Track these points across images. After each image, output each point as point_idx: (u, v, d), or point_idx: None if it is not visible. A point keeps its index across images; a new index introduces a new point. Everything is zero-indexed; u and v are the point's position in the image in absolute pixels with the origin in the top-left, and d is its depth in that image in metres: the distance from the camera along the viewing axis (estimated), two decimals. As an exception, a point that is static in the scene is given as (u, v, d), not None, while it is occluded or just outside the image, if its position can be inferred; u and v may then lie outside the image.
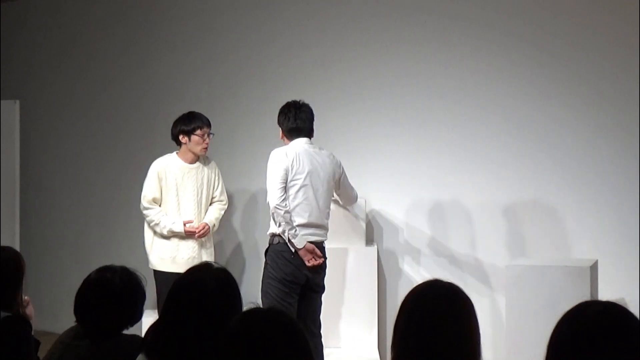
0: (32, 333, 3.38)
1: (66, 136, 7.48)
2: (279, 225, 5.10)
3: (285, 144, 5.28)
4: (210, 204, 5.91)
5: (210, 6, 6.89)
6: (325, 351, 5.72)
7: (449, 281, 2.31)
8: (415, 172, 6.20)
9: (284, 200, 5.09)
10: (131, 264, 6.96)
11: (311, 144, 5.28)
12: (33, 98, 7.55)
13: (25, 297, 3.55)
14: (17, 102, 7.25)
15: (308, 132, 5.28)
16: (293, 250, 5.10)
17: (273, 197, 5.11)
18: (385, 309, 6.13)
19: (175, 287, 2.57)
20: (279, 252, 5.14)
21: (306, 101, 5.35)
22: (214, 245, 6.00)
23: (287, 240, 5.10)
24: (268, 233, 5.22)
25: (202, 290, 2.49)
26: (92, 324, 2.87)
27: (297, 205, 5.14)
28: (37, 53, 7.64)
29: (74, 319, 2.94)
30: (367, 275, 5.96)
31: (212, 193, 5.89)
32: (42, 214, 7.56)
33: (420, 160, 6.19)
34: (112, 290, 2.89)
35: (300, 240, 5.10)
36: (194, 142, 5.74)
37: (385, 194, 6.27)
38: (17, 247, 6.20)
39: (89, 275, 3.00)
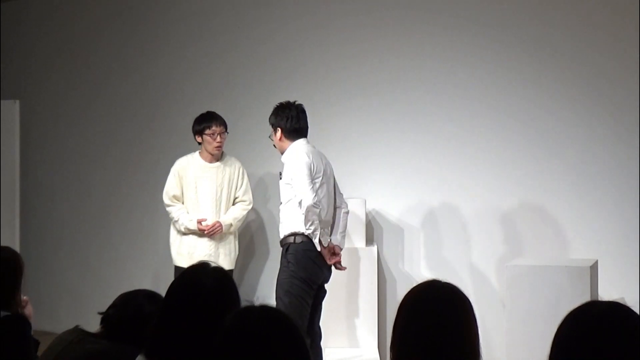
0: (32, 333, 3.38)
1: (66, 136, 7.48)
2: (311, 224, 5.08)
3: (281, 144, 5.24)
4: (234, 204, 5.97)
5: (208, 6, 6.88)
6: (326, 351, 5.72)
7: (447, 281, 2.31)
8: (415, 172, 6.20)
9: (317, 199, 5.10)
10: (131, 263, 6.99)
11: (309, 143, 5.29)
12: (33, 98, 7.55)
13: (24, 297, 3.55)
14: (17, 102, 7.25)
15: (306, 132, 5.31)
16: (319, 249, 5.10)
17: (308, 196, 5.07)
18: (385, 309, 6.13)
19: (172, 287, 2.57)
20: (304, 251, 5.11)
21: (304, 100, 5.37)
22: (236, 248, 6.03)
23: (316, 240, 5.09)
24: (287, 233, 5.14)
25: (199, 290, 2.48)
26: (112, 330, 2.84)
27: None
28: (37, 53, 7.64)
29: (74, 319, 2.92)
30: (367, 275, 5.96)
31: (235, 193, 5.95)
32: (42, 214, 7.56)
33: (420, 159, 6.19)
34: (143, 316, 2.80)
35: (326, 239, 5.15)
36: (206, 141, 5.84)
37: (385, 194, 6.27)
38: (17, 247, 6.20)
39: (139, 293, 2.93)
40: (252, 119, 6.59)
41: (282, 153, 5.26)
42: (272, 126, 5.29)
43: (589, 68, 5.75)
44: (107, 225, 7.26)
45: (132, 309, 2.85)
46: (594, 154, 5.75)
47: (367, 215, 6.14)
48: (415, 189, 6.21)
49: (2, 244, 4.24)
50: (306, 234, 5.08)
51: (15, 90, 7.50)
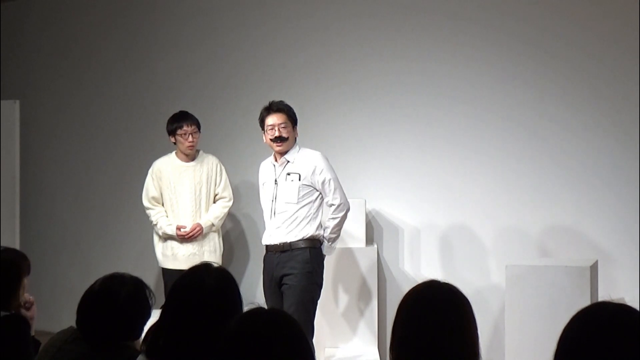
0: (33, 333, 3.39)
1: (66, 136, 7.48)
2: (340, 229, 5.13)
3: (292, 143, 5.16)
4: (215, 202, 5.96)
5: (209, 6, 6.89)
6: (326, 351, 5.73)
7: (446, 281, 2.31)
8: (415, 172, 6.20)
9: None
10: (130, 263, 6.99)
11: None
12: (33, 98, 7.55)
13: (30, 298, 3.55)
14: (17, 102, 7.25)
15: None
16: (327, 253, 5.16)
17: (347, 201, 5.13)
18: (385, 309, 6.13)
19: (174, 287, 2.57)
20: (322, 257, 5.14)
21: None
22: (221, 245, 6.02)
23: (335, 244, 5.17)
24: (305, 236, 5.04)
25: (201, 290, 2.48)
26: (90, 330, 2.82)
27: None
28: (37, 53, 7.64)
29: (73, 319, 2.92)
30: (367, 275, 5.96)
31: (214, 189, 5.95)
32: (42, 214, 7.56)
33: (420, 159, 6.19)
34: (116, 304, 2.77)
35: None
36: (179, 141, 5.88)
37: (385, 194, 6.27)
38: (17, 247, 6.20)
39: (97, 281, 2.87)
40: (252, 118, 6.58)
41: (282, 153, 5.15)
42: (295, 122, 5.20)
43: (589, 70, 5.75)
44: (107, 225, 7.27)
45: (107, 301, 2.80)
46: (594, 154, 5.75)
47: (367, 215, 6.14)
48: (415, 189, 6.21)
49: (2, 244, 4.25)
50: (332, 237, 5.10)
51: (15, 90, 7.50)
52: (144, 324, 2.82)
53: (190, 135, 5.84)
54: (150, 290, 2.86)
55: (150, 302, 2.85)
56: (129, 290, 2.82)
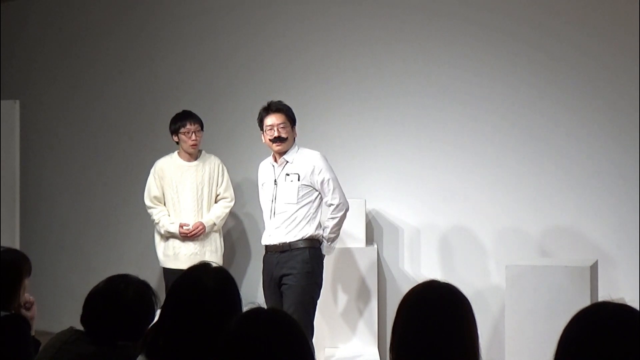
0: (33, 333, 3.38)
1: (66, 136, 7.48)
2: (340, 229, 5.13)
3: (291, 143, 5.15)
4: (217, 202, 5.95)
5: (211, 6, 6.89)
6: (326, 351, 5.73)
7: (445, 281, 2.31)
8: (415, 172, 6.20)
9: None
10: (130, 263, 6.99)
11: None
12: (33, 98, 7.55)
13: (31, 298, 3.55)
14: (17, 102, 7.24)
15: None
16: (327, 253, 5.16)
17: (346, 200, 5.13)
18: (385, 309, 6.13)
19: (174, 287, 2.57)
20: (321, 257, 5.13)
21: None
22: (222, 245, 6.01)
23: (335, 244, 5.17)
24: (304, 236, 5.04)
25: (200, 290, 2.48)
26: (95, 328, 2.82)
27: None
28: (37, 53, 7.64)
29: (73, 319, 2.92)
30: (367, 275, 5.96)
31: (216, 190, 5.95)
32: (42, 214, 7.56)
33: (420, 160, 6.19)
34: (123, 302, 2.78)
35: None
36: (182, 140, 5.88)
37: (385, 194, 6.27)
38: (17, 248, 6.20)
39: (102, 281, 2.88)
40: (254, 119, 6.58)
41: (281, 153, 5.15)
42: (294, 122, 5.18)
43: (589, 71, 5.76)
44: (108, 225, 7.26)
45: (113, 300, 2.80)
46: (594, 154, 5.75)
47: (367, 215, 6.14)
48: (415, 190, 6.21)
49: (3, 245, 4.25)
50: (332, 237, 5.10)
51: (15, 90, 7.50)
52: (148, 325, 2.82)
53: (193, 134, 5.84)
54: (155, 294, 2.87)
55: (155, 305, 2.85)
56: (136, 290, 2.83)
